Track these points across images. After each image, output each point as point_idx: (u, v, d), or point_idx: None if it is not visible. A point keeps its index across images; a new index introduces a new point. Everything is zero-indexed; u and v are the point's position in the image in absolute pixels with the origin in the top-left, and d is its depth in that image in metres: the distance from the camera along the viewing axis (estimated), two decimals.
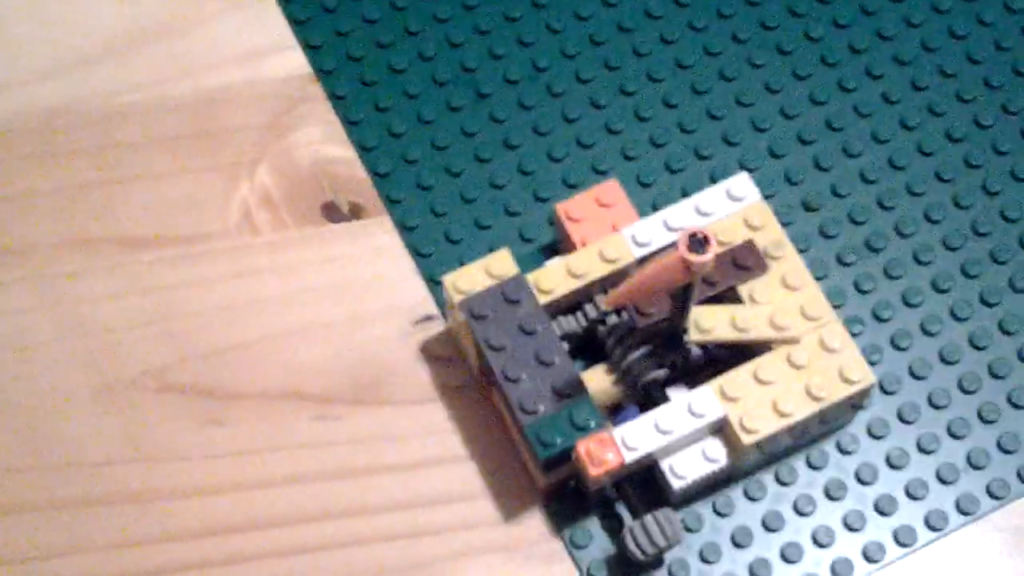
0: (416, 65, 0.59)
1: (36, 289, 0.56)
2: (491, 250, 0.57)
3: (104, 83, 0.59)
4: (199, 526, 0.52)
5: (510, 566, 0.51)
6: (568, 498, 0.53)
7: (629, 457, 0.49)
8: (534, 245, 0.57)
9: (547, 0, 0.60)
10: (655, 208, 0.57)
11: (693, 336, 0.51)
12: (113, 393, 0.54)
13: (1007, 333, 0.54)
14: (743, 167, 0.57)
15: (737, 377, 0.50)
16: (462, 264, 0.55)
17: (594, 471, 0.49)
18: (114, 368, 0.54)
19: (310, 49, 0.60)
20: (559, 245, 0.56)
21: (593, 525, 0.52)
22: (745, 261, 0.51)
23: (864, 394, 0.51)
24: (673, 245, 0.52)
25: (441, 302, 0.55)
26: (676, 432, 0.50)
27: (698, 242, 0.44)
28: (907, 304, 0.55)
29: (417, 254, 0.56)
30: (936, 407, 0.54)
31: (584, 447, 0.49)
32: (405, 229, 0.57)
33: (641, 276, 0.45)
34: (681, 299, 0.48)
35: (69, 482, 0.53)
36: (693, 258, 0.44)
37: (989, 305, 0.55)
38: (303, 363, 0.54)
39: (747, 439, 0.50)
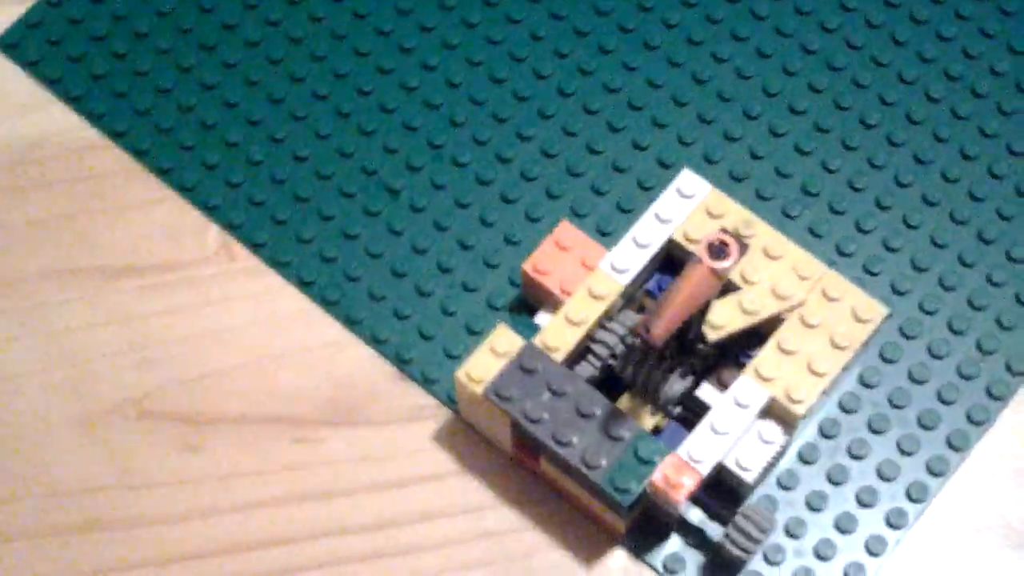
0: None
1: (17, 319, 0.57)
2: (470, 330, 0.57)
3: (79, 116, 0.60)
4: (182, 551, 0.54)
5: None
6: (643, 530, 0.53)
7: (704, 470, 0.50)
8: (504, 309, 0.57)
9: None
10: (602, 233, 0.58)
11: (711, 336, 0.52)
12: (94, 421, 0.55)
13: (987, 242, 0.57)
14: (665, 166, 0.59)
15: (767, 356, 0.51)
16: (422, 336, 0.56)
17: (678, 496, 0.50)
18: (95, 396, 0.56)
19: None
20: (533, 301, 0.56)
21: (675, 546, 0.53)
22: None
23: (877, 329, 0.53)
24: (669, 259, 0.53)
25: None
26: (734, 430, 0.51)
27: (718, 249, 0.45)
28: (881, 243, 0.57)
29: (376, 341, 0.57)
30: (928, 312, 0.56)
31: (661, 479, 0.50)
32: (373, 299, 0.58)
33: (679, 300, 0.45)
34: (701, 308, 0.49)
35: (51, 510, 0.54)
36: (719, 265, 0.45)
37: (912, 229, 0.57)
38: (282, 387, 0.56)
39: (799, 409, 0.51)
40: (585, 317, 0.52)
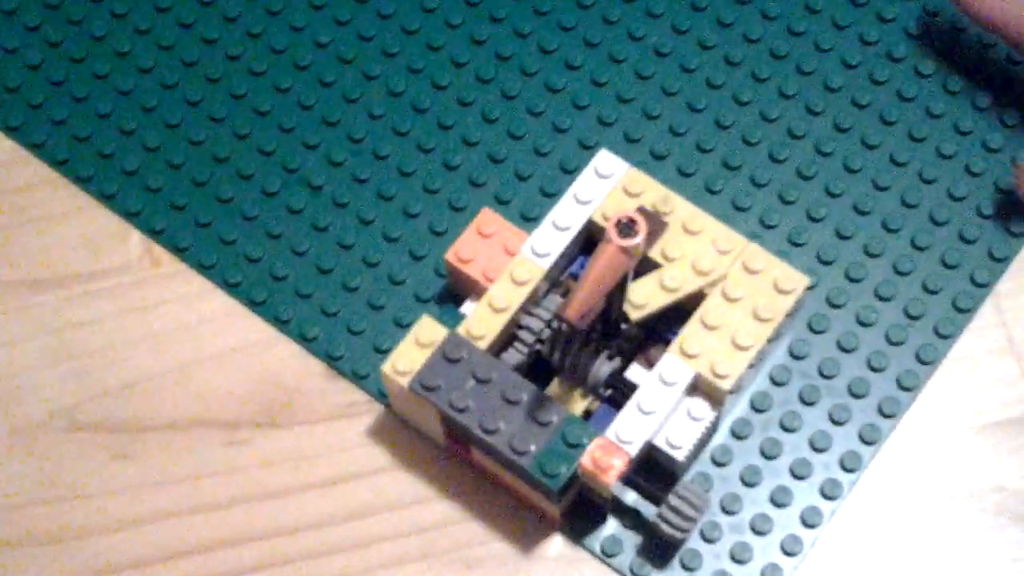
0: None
1: None
2: (398, 324, 0.56)
3: None
4: (117, 561, 0.54)
5: (434, 572, 0.53)
6: (578, 514, 0.53)
7: (633, 451, 0.50)
8: (432, 301, 0.57)
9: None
10: (526, 218, 0.58)
11: (634, 315, 0.52)
12: (23, 435, 0.55)
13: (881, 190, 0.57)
14: (586, 147, 0.58)
15: (691, 333, 0.51)
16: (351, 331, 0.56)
17: (607, 479, 0.50)
18: (23, 410, 0.56)
19: None
20: (460, 291, 0.56)
21: (612, 529, 0.53)
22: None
23: (801, 300, 0.53)
24: (590, 241, 0.52)
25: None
26: (661, 409, 0.51)
27: (626, 226, 0.45)
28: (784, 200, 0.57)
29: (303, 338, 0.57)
30: (854, 280, 0.56)
31: (590, 461, 0.50)
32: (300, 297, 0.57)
33: (591, 280, 0.45)
34: (617, 286, 0.49)
35: None
36: (628, 243, 0.45)
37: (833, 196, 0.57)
38: (212, 390, 0.56)
39: (725, 385, 0.51)
40: (508, 303, 0.52)
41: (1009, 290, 0.56)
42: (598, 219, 0.53)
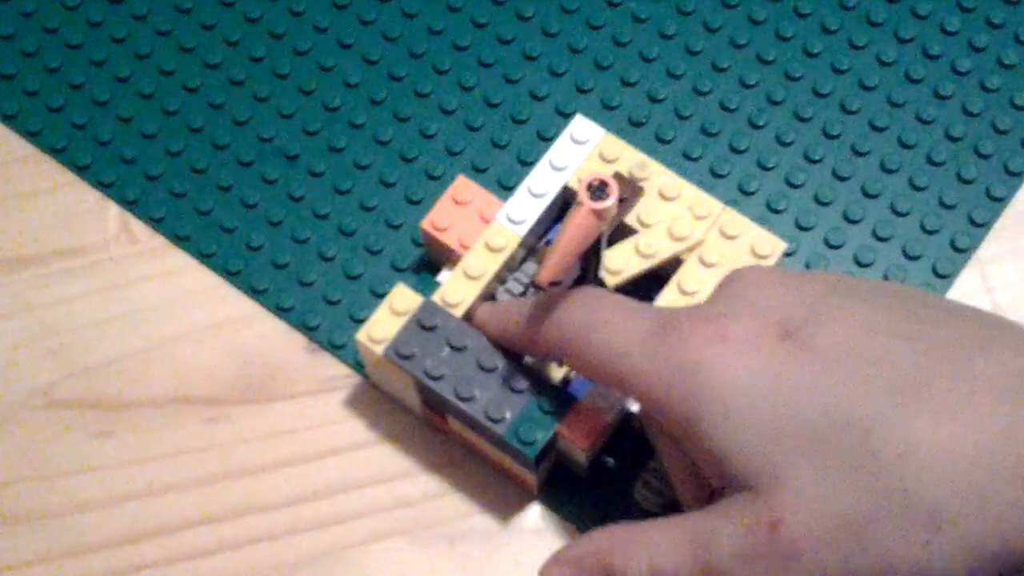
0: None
1: None
2: (375, 293, 0.56)
3: None
4: (97, 539, 0.53)
5: (417, 547, 0.53)
6: (557, 483, 0.53)
7: (609, 418, 0.49)
8: (410, 270, 0.56)
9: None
10: (504, 187, 0.57)
11: (610, 282, 0.51)
12: (1, 414, 0.54)
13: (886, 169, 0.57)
14: (563, 114, 0.58)
15: (667, 299, 0.51)
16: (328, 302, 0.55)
17: (584, 444, 0.49)
18: (1, 389, 0.55)
19: None
20: (437, 260, 0.55)
21: (592, 499, 0.53)
22: (621, 192, 0.52)
23: (778, 265, 0.52)
24: (569, 204, 0.52)
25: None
26: None
27: (598, 189, 0.45)
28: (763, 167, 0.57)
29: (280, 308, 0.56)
30: (833, 247, 0.56)
31: (566, 428, 0.49)
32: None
33: (562, 243, 0.45)
34: (592, 252, 0.48)
35: None
36: (600, 205, 0.44)
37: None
38: (190, 367, 0.55)
39: None
40: (483, 271, 0.52)
41: (992, 255, 0.56)
42: (574, 185, 0.53)
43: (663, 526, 0.43)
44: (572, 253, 0.45)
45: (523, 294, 0.52)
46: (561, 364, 0.50)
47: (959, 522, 0.39)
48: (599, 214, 0.45)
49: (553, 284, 0.48)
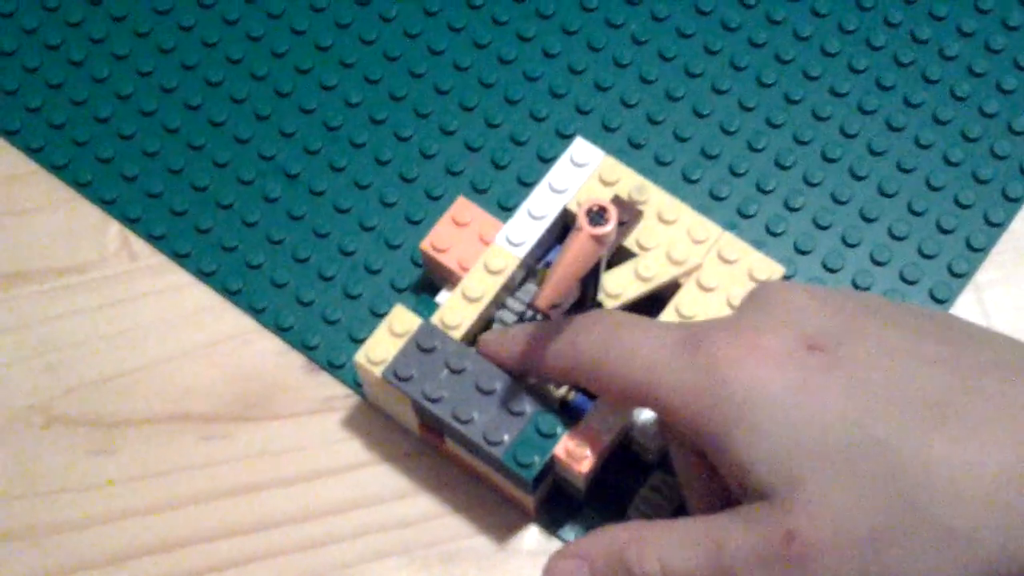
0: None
1: None
2: (374, 313, 0.56)
3: None
4: (93, 557, 0.53)
5: (414, 568, 0.53)
6: (555, 506, 0.53)
7: (606, 440, 0.50)
8: (409, 290, 0.56)
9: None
10: (503, 208, 0.57)
11: (608, 304, 0.51)
12: None
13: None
14: (563, 136, 0.58)
15: None
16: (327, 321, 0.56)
17: (580, 468, 0.49)
18: None
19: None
20: (436, 280, 0.55)
21: (588, 521, 0.53)
22: (620, 217, 0.52)
23: None
24: (566, 230, 0.52)
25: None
26: None
27: (597, 214, 0.45)
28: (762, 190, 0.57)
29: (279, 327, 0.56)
30: (831, 271, 0.56)
31: (563, 451, 0.49)
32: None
33: (561, 268, 0.45)
34: (591, 275, 0.49)
35: None
36: (599, 231, 0.45)
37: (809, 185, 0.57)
38: (189, 384, 0.55)
39: None
40: (482, 293, 0.52)
41: (990, 281, 0.56)
42: (574, 208, 0.53)
43: (678, 526, 0.43)
44: (571, 277, 0.45)
45: (521, 317, 0.52)
46: (576, 387, 0.51)
47: (978, 540, 0.39)
48: (598, 239, 0.45)
49: (552, 307, 0.48)
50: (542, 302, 0.45)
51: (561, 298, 0.46)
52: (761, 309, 0.44)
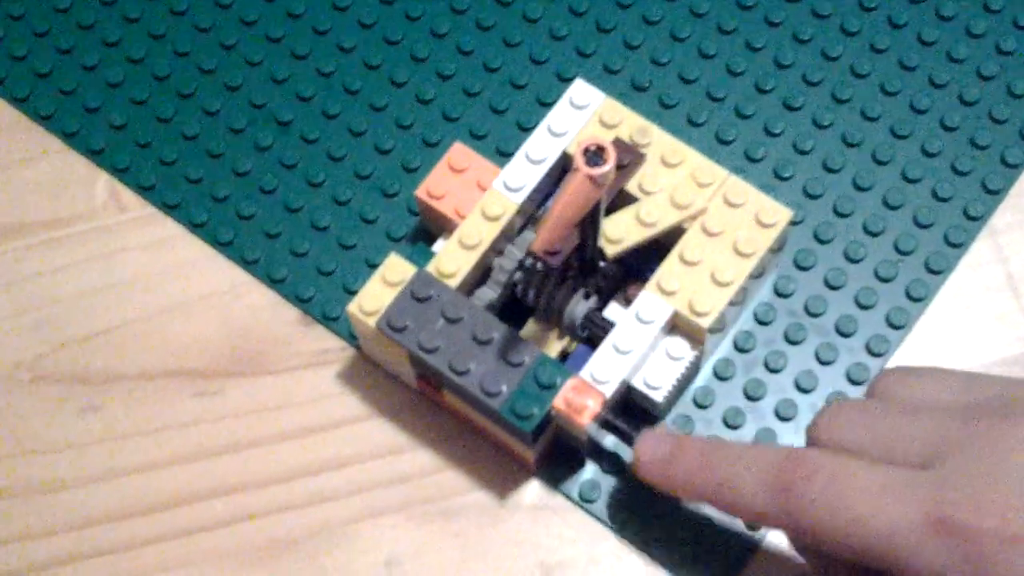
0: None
1: None
2: (369, 264, 0.54)
3: None
4: (83, 516, 0.52)
5: (412, 523, 0.51)
6: (556, 459, 0.51)
7: (608, 391, 0.48)
8: (405, 240, 0.55)
9: None
10: (502, 153, 0.55)
11: (609, 251, 0.49)
12: None
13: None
14: (563, 79, 0.56)
15: (668, 269, 0.49)
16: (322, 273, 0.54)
17: (581, 420, 0.48)
18: None
19: None
20: (432, 229, 0.54)
21: (590, 474, 0.51)
22: (621, 159, 0.50)
23: (784, 234, 0.50)
24: (565, 171, 0.50)
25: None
26: (638, 347, 0.49)
27: (594, 154, 0.43)
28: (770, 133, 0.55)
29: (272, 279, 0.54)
30: (842, 215, 0.54)
31: (563, 402, 0.48)
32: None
33: (557, 211, 0.43)
34: (591, 220, 0.47)
35: None
36: (597, 171, 0.43)
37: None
38: (180, 339, 0.54)
39: (704, 322, 0.49)
40: (480, 240, 0.50)
41: (1007, 224, 0.54)
42: (573, 151, 0.51)
43: None
44: (568, 221, 0.43)
45: (521, 265, 0.50)
46: (577, 339, 0.49)
47: None
48: (596, 180, 0.43)
49: (550, 254, 0.46)
50: (538, 246, 0.43)
51: (559, 243, 0.44)
52: (1005, 475, 0.38)
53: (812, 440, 0.43)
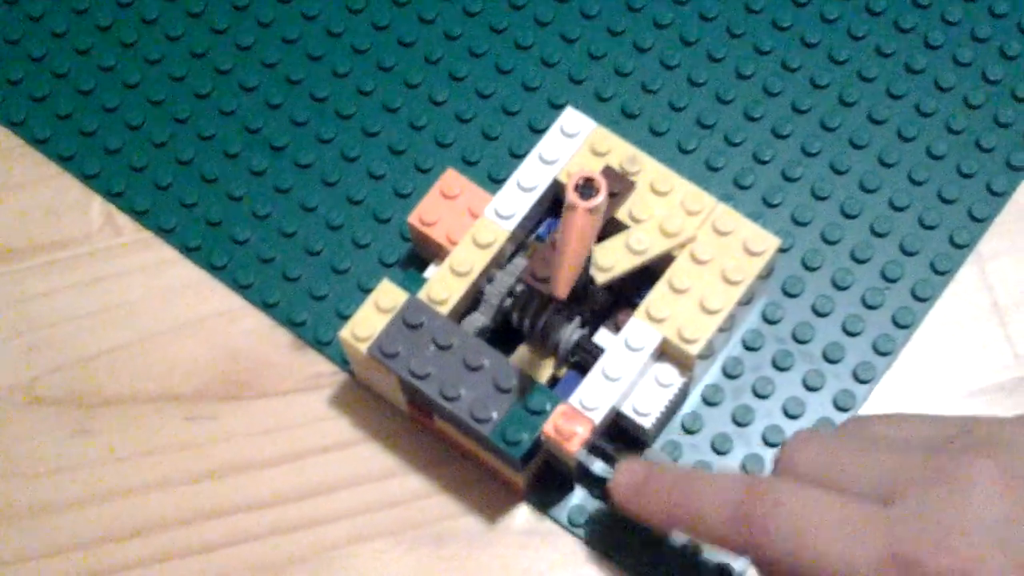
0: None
1: None
2: (361, 288, 0.55)
3: None
4: (78, 539, 0.52)
5: (402, 548, 0.52)
6: (545, 484, 0.52)
7: (596, 418, 0.48)
8: (397, 265, 0.55)
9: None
10: (494, 180, 0.56)
11: (600, 279, 0.50)
12: None
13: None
14: (555, 106, 0.57)
15: (658, 296, 0.50)
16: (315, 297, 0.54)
17: (570, 446, 0.48)
18: None
19: None
20: (424, 254, 0.54)
21: (578, 499, 0.52)
22: (611, 187, 0.51)
23: (772, 262, 0.51)
24: (556, 202, 0.51)
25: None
26: (627, 374, 0.49)
27: (585, 187, 0.43)
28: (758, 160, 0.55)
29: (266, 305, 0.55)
30: (830, 242, 0.54)
31: (552, 429, 0.48)
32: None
33: (568, 253, 0.43)
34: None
35: None
36: (591, 204, 0.43)
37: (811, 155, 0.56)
38: (173, 363, 0.54)
39: (692, 349, 0.49)
40: (471, 267, 0.51)
41: (993, 251, 0.54)
42: (564, 179, 0.51)
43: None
44: (580, 257, 0.44)
45: (511, 292, 0.51)
46: (568, 364, 0.49)
47: None
48: (593, 212, 0.43)
49: (544, 281, 0.47)
50: (561, 292, 0.44)
51: (573, 276, 0.45)
52: (965, 523, 0.38)
53: (778, 468, 0.43)
